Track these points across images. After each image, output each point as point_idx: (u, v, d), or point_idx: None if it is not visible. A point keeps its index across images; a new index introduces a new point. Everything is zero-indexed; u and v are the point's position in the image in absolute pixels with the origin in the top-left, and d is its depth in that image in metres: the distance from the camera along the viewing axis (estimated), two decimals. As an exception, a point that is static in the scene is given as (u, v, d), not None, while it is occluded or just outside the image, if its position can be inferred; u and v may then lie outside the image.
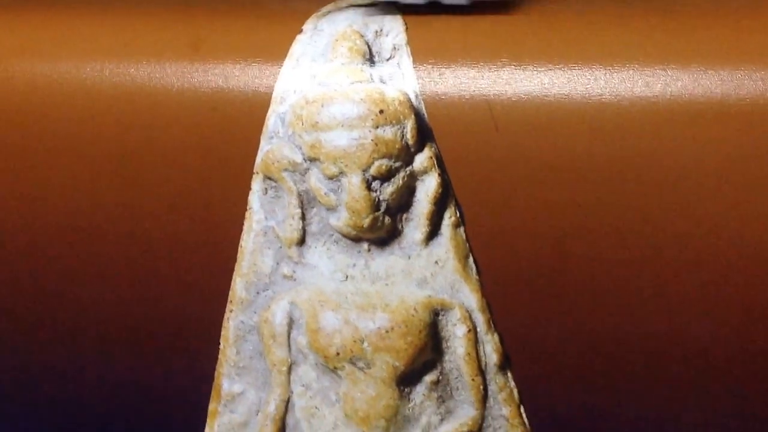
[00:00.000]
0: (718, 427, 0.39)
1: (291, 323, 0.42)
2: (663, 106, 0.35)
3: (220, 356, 0.43)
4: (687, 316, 0.37)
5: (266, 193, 0.41)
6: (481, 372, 0.41)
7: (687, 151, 0.35)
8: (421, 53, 0.39)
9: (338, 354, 0.41)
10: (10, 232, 0.43)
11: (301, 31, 0.40)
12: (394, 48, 0.40)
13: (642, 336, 0.38)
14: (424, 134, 0.39)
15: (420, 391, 0.42)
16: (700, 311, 0.37)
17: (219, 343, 0.43)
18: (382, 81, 0.39)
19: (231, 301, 0.42)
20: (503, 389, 0.41)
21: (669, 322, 0.38)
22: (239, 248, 0.41)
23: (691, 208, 0.36)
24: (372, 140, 0.38)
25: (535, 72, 0.37)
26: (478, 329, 0.41)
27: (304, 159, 0.39)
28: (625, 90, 0.36)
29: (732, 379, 0.38)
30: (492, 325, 0.40)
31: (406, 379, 0.41)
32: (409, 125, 0.38)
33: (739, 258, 0.36)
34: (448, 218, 0.40)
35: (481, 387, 0.41)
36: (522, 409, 0.41)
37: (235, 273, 0.42)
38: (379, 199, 0.39)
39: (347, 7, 0.42)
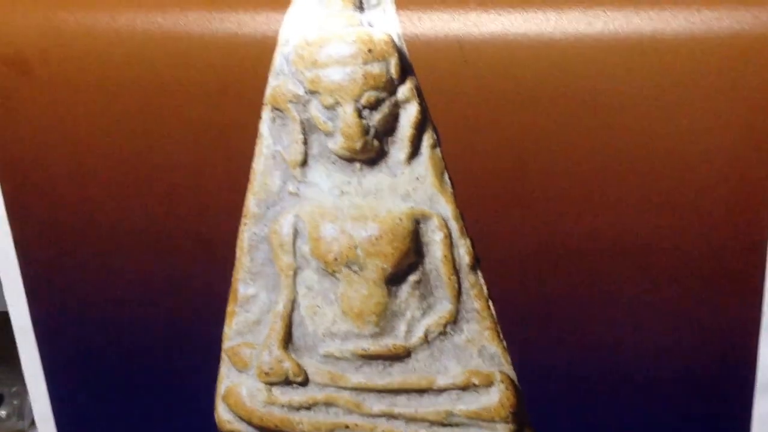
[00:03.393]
0: (658, 305, 0.45)
1: (296, 233, 0.48)
2: (604, 42, 0.42)
3: (236, 264, 0.49)
4: (628, 214, 0.44)
5: (274, 122, 0.46)
6: (456, 272, 0.47)
7: (621, 78, 0.42)
8: (403, 1, 0.44)
9: (336, 259, 0.47)
10: (62, 153, 0.49)
11: (302, -16, 0.45)
12: (380, -3, 0.45)
13: (590, 233, 0.45)
14: (406, 69, 0.44)
15: (405, 289, 0.48)
16: (637, 209, 0.44)
17: (235, 252, 0.49)
18: (370, 25, 0.44)
19: (245, 216, 0.48)
20: (474, 286, 0.47)
21: (613, 220, 0.44)
22: (251, 170, 0.47)
23: (626, 125, 0.42)
24: (362, 75, 0.43)
25: (498, 15, 0.42)
26: (453, 235, 0.47)
27: (305, 92, 0.45)
28: (571, 29, 0.42)
29: (667, 265, 0.45)
30: (464, 232, 0.46)
31: (393, 280, 0.47)
32: (393, 62, 0.44)
33: (668, 166, 0.43)
34: (427, 140, 0.45)
35: (456, 285, 0.47)
36: (490, 303, 0.48)
37: (248, 191, 0.47)
38: (368, 125, 0.44)
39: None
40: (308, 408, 0.51)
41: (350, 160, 0.46)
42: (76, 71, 0.47)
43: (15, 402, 0.95)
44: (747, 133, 0.42)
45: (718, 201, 0.43)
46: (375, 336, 0.48)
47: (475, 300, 0.48)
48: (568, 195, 0.45)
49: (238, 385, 0.52)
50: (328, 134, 0.45)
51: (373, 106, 0.44)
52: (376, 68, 0.44)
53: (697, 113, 0.42)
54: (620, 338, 0.47)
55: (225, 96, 0.46)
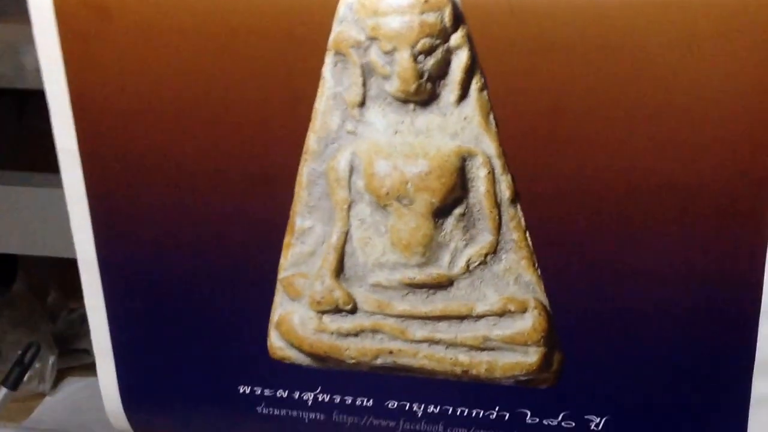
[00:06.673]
0: (681, 238, 0.50)
1: (352, 169, 0.52)
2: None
3: (294, 197, 0.53)
4: (654, 155, 0.49)
5: (336, 65, 0.50)
6: (497, 205, 0.52)
7: (651, 30, 0.46)
8: (457, -44, 0.48)
9: (388, 193, 0.51)
10: (134, 94, 0.54)
11: (364, -59, 0.49)
12: (436, -48, 0.49)
13: (618, 171, 0.49)
14: (458, 18, 0.48)
15: (450, 222, 0.52)
16: (663, 150, 0.48)
17: (294, 187, 0.54)
18: (427, -23, 0.48)
19: (305, 152, 0.52)
20: (513, 218, 0.52)
21: (640, 160, 0.49)
22: (313, 109, 0.51)
23: (654, 73, 0.47)
24: (418, 23, 0.48)
25: (543, -30, 0.48)
26: (496, 171, 0.51)
27: (366, 38, 0.49)
28: (608, -17, 0.47)
29: (692, 201, 0.49)
30: (506, 168, 0.51)
31: (440, 213, 0.52)
32: (447, 11, 0.48)
33: (691, 111, 0.47)
34: (475, 84, 0.49)
35: (497, 217, 0.52)
36: (527, 234, 0.52)
37: (309, 129, 0.52)
38: (423, 69, 0.49)
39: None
40: (356, 335, 0.55)
41: (405, 101, 0.50)
42: (152, 16, 0.51)
43: (36, 365, 0.99)
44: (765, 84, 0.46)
45: (738, 143, 0.48)
46: (421, 266, 0.53)
47: (514, 231, 0.52)
48: (600, 136, 0.49)
49: (290, 313, 0.56)
50: (386, 77, 0.50)
51: (428, 51, 0.48)
52: (431, 17, 0.48)
53: (718, 63, 0.46)
54: (645, 269, 0.51)
55: (292, 41, 0.50)
